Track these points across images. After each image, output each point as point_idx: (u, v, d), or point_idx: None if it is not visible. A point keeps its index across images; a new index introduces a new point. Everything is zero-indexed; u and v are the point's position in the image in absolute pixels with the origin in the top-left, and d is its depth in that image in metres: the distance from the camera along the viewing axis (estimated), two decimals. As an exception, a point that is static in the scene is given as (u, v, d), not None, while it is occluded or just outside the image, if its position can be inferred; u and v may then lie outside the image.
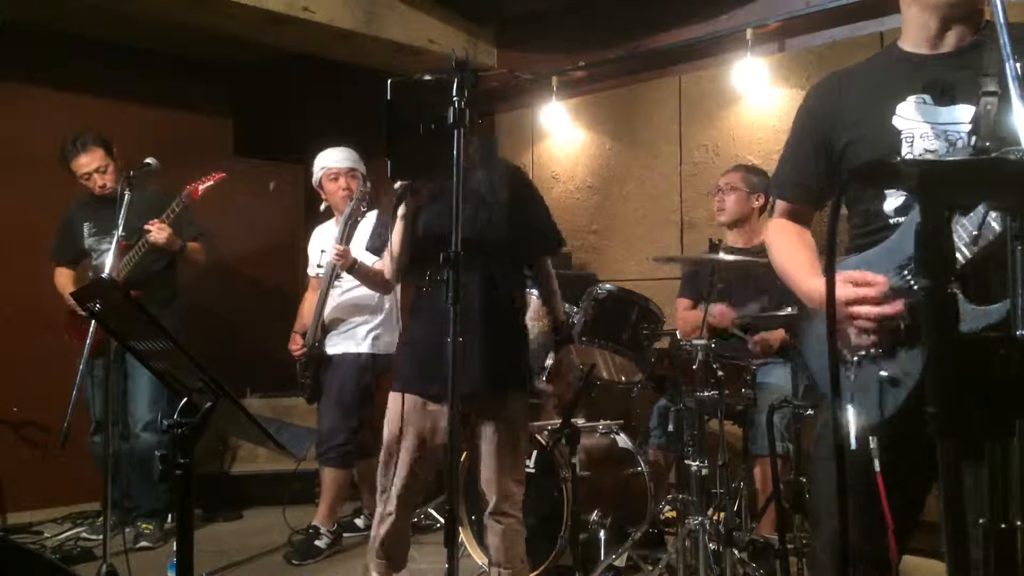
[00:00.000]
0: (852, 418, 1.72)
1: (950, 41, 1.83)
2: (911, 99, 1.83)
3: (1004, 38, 1.51)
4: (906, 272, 1.70)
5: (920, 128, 1.80)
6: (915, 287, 1.67)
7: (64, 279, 4.65)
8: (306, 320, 4.51)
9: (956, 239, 1.59)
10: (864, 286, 1.69)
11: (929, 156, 1.77)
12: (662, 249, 4.83)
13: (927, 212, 1.01)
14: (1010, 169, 1.06)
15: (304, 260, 4.79)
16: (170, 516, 4.57)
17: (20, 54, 5.22)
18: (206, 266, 4.75)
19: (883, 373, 1.70)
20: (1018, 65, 1.51)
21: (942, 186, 1.01)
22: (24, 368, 4.94)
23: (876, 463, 1.70)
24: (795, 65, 4.49)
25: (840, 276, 1.71)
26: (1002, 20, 1.53)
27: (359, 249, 4.23)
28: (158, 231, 4.21)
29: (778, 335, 3.81)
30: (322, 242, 4.46)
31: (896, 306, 1.66)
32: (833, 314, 1.15)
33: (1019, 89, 1.50)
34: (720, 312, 3.89)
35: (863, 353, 1.74)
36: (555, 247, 3.14)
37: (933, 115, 1.80)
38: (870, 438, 1.71)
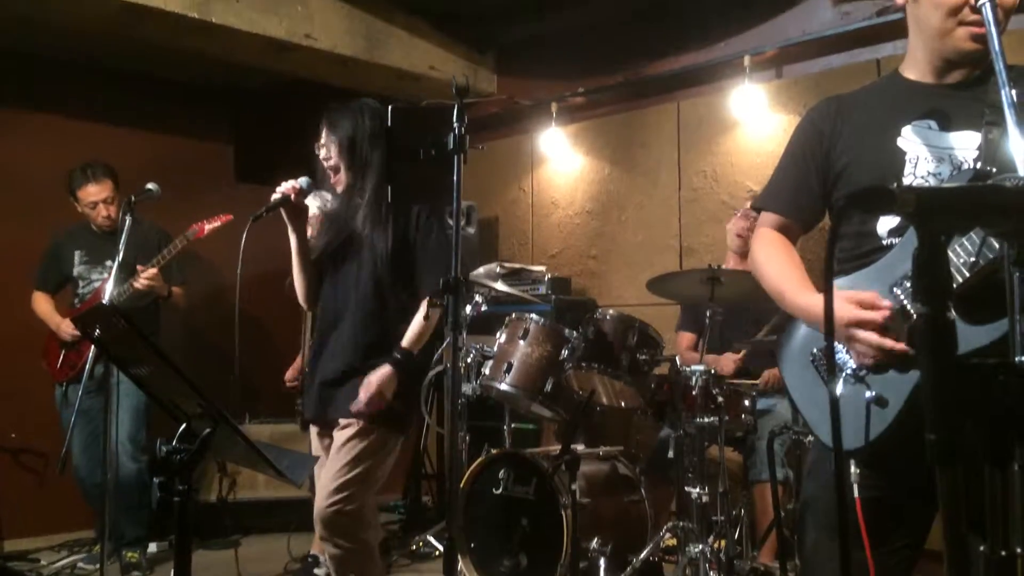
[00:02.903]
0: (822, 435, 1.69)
1: (956, 76, 1.83)
2: (915, 123, 1.82)
3: (999, 66, 1.53)
4: (898, 291, 1.68)
5: (923, 151, 1.79)
6: (908, 306, 1.65)
7: (45, 304, 4.62)
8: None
9: (954, 263, 1.59)
10: (869, 308, 1.65)
11: (931, 178, 1.77)
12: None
13: (924, 238, 1.01)
14: (1006, 196, 1.06)
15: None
16: (153, 544, 4.55)
17: (19, 79, 5.24)
18: (201, 293, 4.76)
19: (869, 394, 1.66)
20: (1013, 92, 1.52)
21: (939, 213, 1.01)
22: (21, 395, 4.93)
23: (856, 489, 1.67)
24: (792, 92, 4.52)
25: (843, 295, 1.68)
26: (997, 48, 1.54)
27: None
28: (145, 280, 4.22)
29: None
30: None
31: (900, 345, 1.62)
32: (832, 333, 1.14)
33: (1015, 116, 1.51)
34: (724, 363, 3.89)
35: (848, 372, 1.70)
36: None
37: (937, 139, 1.79)
38: (851, 464, 1.68)
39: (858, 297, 1.67)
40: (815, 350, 1.79)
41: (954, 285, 1.56)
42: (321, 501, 2.75)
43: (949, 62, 1.81)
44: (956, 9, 1.71)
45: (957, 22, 1.72)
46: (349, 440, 2.77)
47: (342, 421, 2.81)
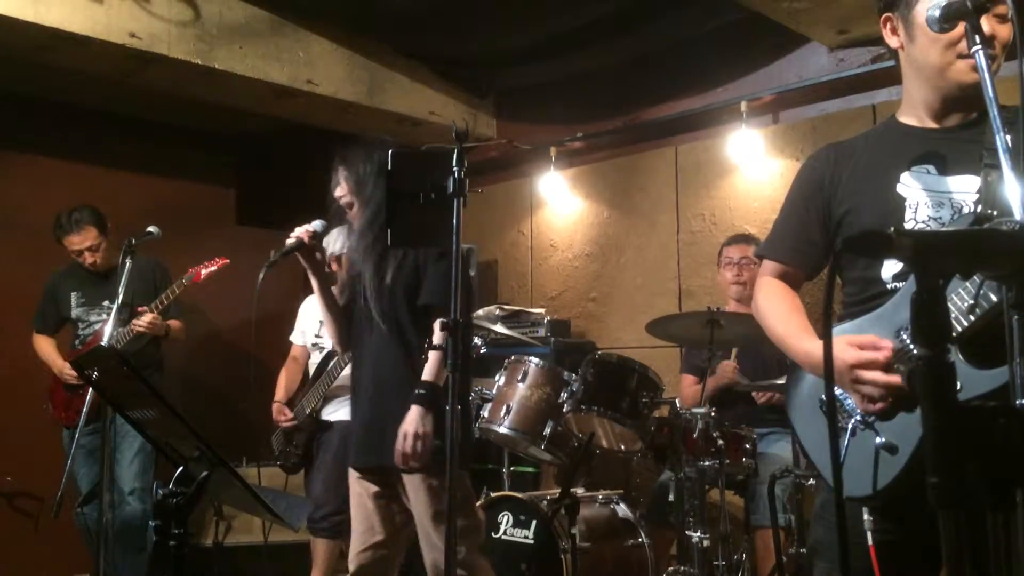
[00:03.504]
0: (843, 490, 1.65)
1: (953, 119, 1.83)
2: (914, 169, 1.82)
3: (993, 111, 1.54)
4: (904, 335, 1.66)
5: (923, 196, 1.79)
6: (914, 351, 1.64)
7: (47, 346, 4.60)
8: (288, 388, 4.50)
9: (953, 307, 1.59)
10: (871, 349, 1.64)
11: (932, 223, 1.76)
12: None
13: (922, 281, 1.02)
14: (1002, 240, 1.07)
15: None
16: None
17: (21, 123, 5.29)
18: (201, 334, 4.76)
19: (879, 440, 1.64)
20: (1008, 137, 1.53)
21: (936, 256, 1.02)
22: (17, 437, 4.90)
23: (869, 536, 1.65)
24: (789, 136, 4.56)
25: (843, 339, 1.67)
26: (991, 94, 1.56)
27: None
28: (144, 323, 4.22)
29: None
30: (315, 311, 4.48)
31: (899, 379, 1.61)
32: (831, 376, 1.15)
33: (1010, 160, 1.52)
34: (724, 368, 3.89)
35: (857, 419, 1.69)
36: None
37: (937, 184, 1.79)
38: (863, 510, 1.66)
39: (858, 340, 1.66)
40: (823, 396, 1.78)
41: (958, 329, 1.57)
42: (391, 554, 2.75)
43: (948, 102, 1.81)
44: (954, 42, 1.71)
45: (956, 55, 1.72)
46: (420, 492, 2.70)
47: (405, 476, 2.73)
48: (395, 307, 2.78)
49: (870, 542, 1.64)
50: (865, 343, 1.65)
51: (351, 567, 2.78)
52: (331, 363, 4.28)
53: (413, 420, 2.63)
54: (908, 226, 1.78)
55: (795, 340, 1.86)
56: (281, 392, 4.56)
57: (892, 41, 1.86)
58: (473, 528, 2.84)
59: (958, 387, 1.52)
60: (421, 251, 2.79)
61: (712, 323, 3.50)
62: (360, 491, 2.89)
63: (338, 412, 4.33)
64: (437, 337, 2.66)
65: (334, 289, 3.00)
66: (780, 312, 1.94)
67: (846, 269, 1.91)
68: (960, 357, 1.56)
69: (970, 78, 1.71)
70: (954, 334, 1.58)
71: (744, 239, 4.20)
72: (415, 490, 2.72)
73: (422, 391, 2.67)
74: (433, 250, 2.77)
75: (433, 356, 2.69)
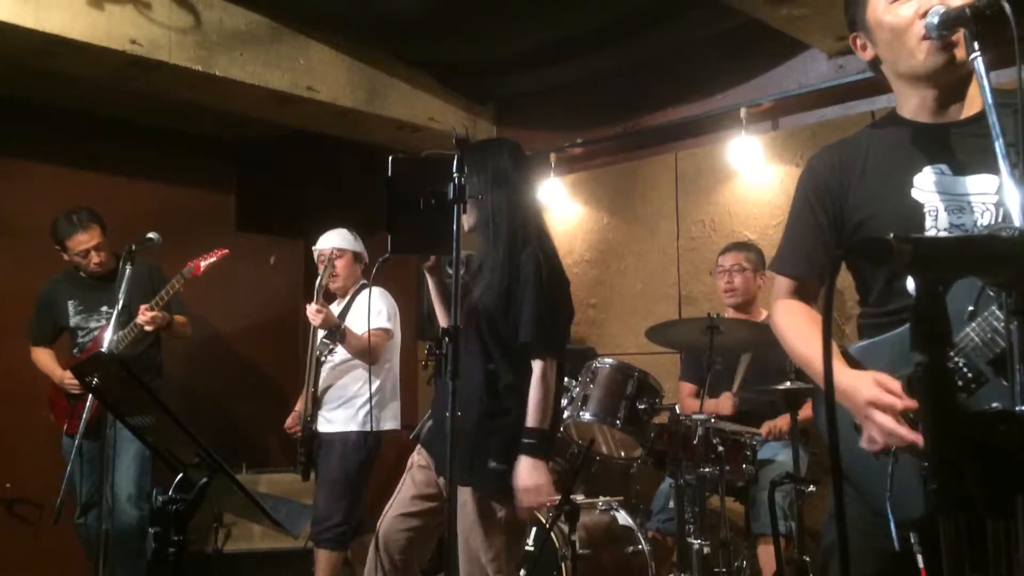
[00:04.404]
0: (891, 515, 1.60)
1: (953, 112, 1.79)
2: (927, 170, 1.77)
3: (992, 118, 1.53)
4: None
5: (942, 200, 1.74)
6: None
7: (46, 358, 4.56)
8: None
9: (976, 331, 1.58)
10: (888, 394, 1.60)
11: (956, 230, 1.71)
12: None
13: (921, 288, 1.02)
14: (1002, 247, 1.07)
15: (303, 336, 4.79)
16: None
17: (19, 128, 5.29)
18: (200, 340, 4.75)
19: (927, 464, 1.60)
20: (1007, 145, 1.52)
21: (935, 263, 1.02)
22: (16, 445, 4.89)
23: (920, 559, 1.60)
24: (789, 143, 4.57)
25: (871, 375, 1.64)
26: (989, 101, 1.54)
27: (356, 325, 4.26)
28: (147, 319, 4.22)
29: (786, 420, 3.72)
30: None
31: (914, 435, 1.57)
32: (832, 397, 1.14)
33: (1009, 166, 1.51)
34: (723, 404, 3.88)
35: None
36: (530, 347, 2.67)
37: (953, 186, 1.74)
38: (910, 535, 1.62)
39: (888, 384, 1.62)
40: (853, 420, 1.72)
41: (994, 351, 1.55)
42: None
43: (936, 93, 1.77)
44: (909, 23, 1.71)
45: (918, 37, 1.70)
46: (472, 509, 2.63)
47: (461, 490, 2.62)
48: (486, 326, 2.67)
49: (921, 565, 1.60)
50: (894, 390, 1.61)
51: (380, 528, 2.76)
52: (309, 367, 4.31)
53: (527, 475, 2.56)
54: (929, 234, 1.72)
55: (818, 361, 1.76)
56: (300, 403, 4.57)
57: (866, 55, 1.87)
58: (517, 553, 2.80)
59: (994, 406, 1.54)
60: (521, 269, 2.65)
61: (712, 329, 3.49)
62: (419, 463, 2.85)
63: (332, 424, 4.33)
64: (536, 377, 2.59)
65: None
66: (801, 332, 1.88)
67: (870, 278, 1.86)
68: (1000, 378, 1.54)
69: (939, 59, 1.70)
70: (992, 355, 1.56)
71: (736, 247, 4.20)
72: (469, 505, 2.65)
73: (531, 441, 2.59)
74: (528, 270, 2.64)
75: (534, 397, 2.60)
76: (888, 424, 1.59)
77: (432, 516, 2.82)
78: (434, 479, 2.81)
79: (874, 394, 1.61)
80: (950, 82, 1.76)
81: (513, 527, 2.69)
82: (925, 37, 1.69)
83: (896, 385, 1.61)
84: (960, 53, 1.67)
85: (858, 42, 1.87)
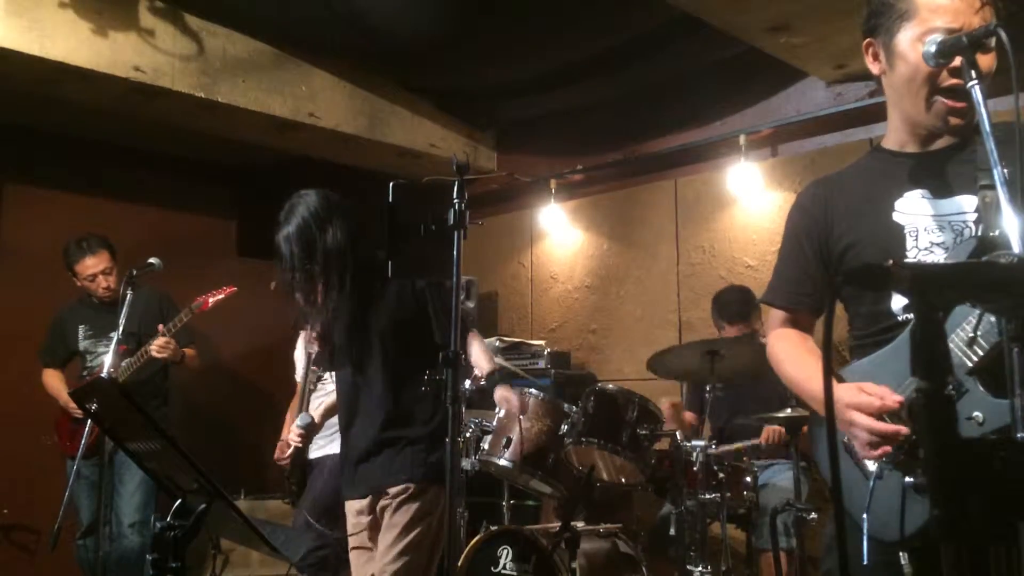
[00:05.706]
0: (866, 531, 1.60)
1: (940, 142, 1.81)
2: (909, 194, 1.79)
3: (990, 145, 1.54)
4: None
5: (923, 221, 1.77)
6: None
7: (55, 380, 4.60)
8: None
9: (954, 342, 1.59)
10: (867, 395, 1.61)
11: (937, 249, 1.74)
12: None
13: (920, 314, 1.02)
14: (1000, 273, 1.07)
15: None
16: None
17: (24, 154, 5.32)
18: (204, 367, 4.75)
19: (909, 479, 1.57)
20: (1006, 171, 1.53)
21: (934, 289, 1.02)
22: (14, 469, 4.87)
23: None
24: (787, 170, 4.59)
25: (854, 384, 1.65)
26: (987, 129, 1.55)
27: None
28: (162, 349, 4.22)
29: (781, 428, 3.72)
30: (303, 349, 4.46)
31: (891, 426, 1.57)
32: (832, 420, 1.14)
33: (1007, 194, 1.52)
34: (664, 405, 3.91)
35: (886, 459, 1.63)
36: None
37: (934, 207, 1.77)
38: (900, 554, 1.61)
39: (867, 388, 1.63)
40: (847, 438, 1.75)
41: (968, 364, 1.55)
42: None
43: (931, 132, 1.80)
44: (934, 75, 1.70)
45: (935, 90, 1.70)
46: (403, 504, 2.69)
47: (391, 490, 2.71)
48: (387, 348, 2.80)
49: None
50: (873, 392, 1.62)
51: None
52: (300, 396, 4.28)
53: (502, 391, 3.01)
54: (911, 254, 1.76)
55: (811, 384, 1.83)
56: (286, 430, 4.53)
57: (874, 67, 1.85)
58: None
59: (980, 420, 1.53)
60: (408, 292, 2.82)
61: (712, 353, 3.49)
62: (362, 524, 2.86)
63: (322, 449, 4.30)
64: (472, 339, 3.00)
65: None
66: (794, 357, 1.91)
67: (853, 304, 1.88)
68: (980, 387, 1.54)
69: (950, 122, 1.71)
70: (972, 364, 1.56)
71: (741, 317, 4.14)
72: (397, 500, 2.71)
73: (492, 378, 2.99)
74: (421, 291, 2.82)
75: (476, 352, 2.98)
76: (865, 421, 1.59)
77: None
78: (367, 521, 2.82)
79: (852, 397, 1.62)
80: (947, 130, 1.78)
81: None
82: (939, 91, 1.70)
83: (879, 389, 1.62)
84: (969, 119, 1.67)
85: (871, 50, 1.84)
